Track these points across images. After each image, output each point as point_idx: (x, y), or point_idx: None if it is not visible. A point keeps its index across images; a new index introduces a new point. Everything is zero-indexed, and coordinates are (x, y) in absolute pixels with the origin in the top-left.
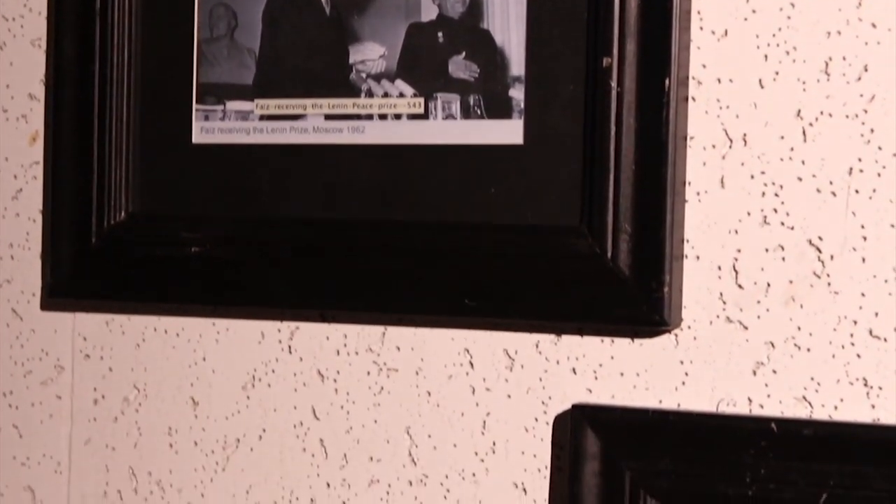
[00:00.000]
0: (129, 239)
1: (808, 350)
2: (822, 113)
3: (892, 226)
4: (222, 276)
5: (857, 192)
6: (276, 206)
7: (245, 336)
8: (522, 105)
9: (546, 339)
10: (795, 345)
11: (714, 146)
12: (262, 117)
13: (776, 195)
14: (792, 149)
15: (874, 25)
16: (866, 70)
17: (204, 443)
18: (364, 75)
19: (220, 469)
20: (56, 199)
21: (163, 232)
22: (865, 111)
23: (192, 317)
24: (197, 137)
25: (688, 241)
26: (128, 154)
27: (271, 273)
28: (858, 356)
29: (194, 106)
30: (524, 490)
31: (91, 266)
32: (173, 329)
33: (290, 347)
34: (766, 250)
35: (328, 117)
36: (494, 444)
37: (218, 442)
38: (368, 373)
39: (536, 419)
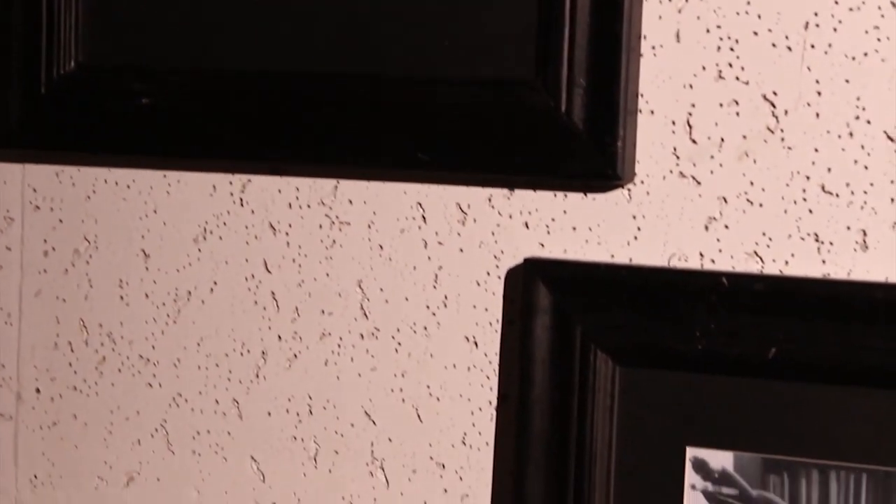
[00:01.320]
0: (78, 89)
1: (761, 205)
2: None
3: (847, 81)
4: (173, 128)
5: (812, 46)
6: (228, 58)
7: (196, 188)
8: None
9: (499, 194)
10: (748, 200)
11: (670, 0)
12: None
13: (731, 49)
14: (748, 3)
15: None
16: None
17: (155, 295)
18: None
19: (171, 321)
20: (4, 48)
21: (113, 82)
22: None
23: (143, 168)
24: None
25: (642, 95)
26: (77, 1)
27: (223, 125)
28: (810, 211)
29: None
30: (475, 343)
31: (40, 116)
32: (124, 181)
33: (241, 200)
34: (721, 105)
35: None
36: (446, 297)
37: (169, 294)
38: (320, 226)
39: (488, 273)
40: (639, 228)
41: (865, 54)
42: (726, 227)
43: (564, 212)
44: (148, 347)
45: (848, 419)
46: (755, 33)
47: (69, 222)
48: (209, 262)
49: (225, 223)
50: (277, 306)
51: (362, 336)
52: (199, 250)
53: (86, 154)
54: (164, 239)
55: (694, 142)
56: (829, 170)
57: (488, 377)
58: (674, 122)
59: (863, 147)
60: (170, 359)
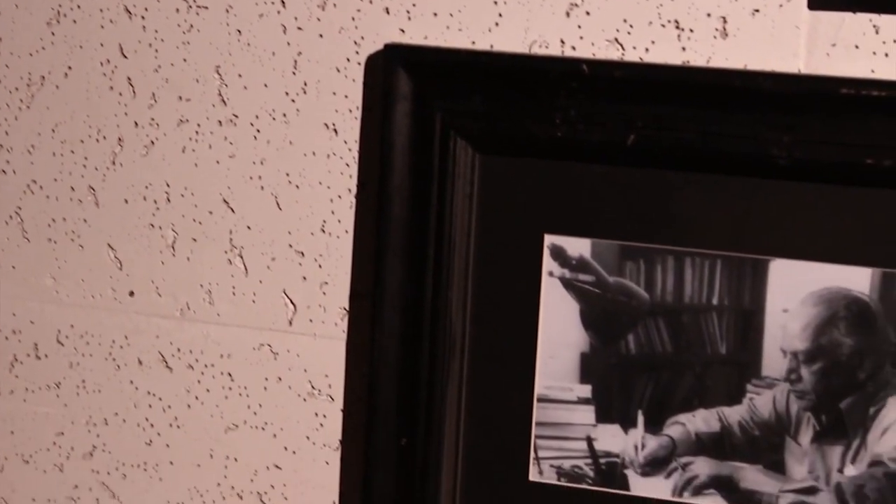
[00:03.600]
0: None
1: None
2: None
3: None
4: None
5: None
6: None
7: None
8: None
9: None
10: None
11: None
12: None
13: None
14: None
15: None
16: None
17: (7, 80)
18: None
19: (24, 107)
20: None
21: None
22: None
23: None
24: None
25: None
26: None
27: None
28: None
29: None
30: (335, 131)
31: None
32: None
33: None
34: None
35: None
36: (305, 84)
37: (22, 79)
38: (177, 10)
39: (348, 59)
40: (500, 15)
41: None
42: (587, 13)
43: None
44: (1, 134)
45: (704, 206)
46: None
47: None
48: (63, 46)
49: (79, 6)
50: (134, 92)
51: (220, 123)
52: (53, 34)
53: None
54: (16, 22)
55: None
56: None
57: (348, 165)
58: None
59: None
60: (24, 145)
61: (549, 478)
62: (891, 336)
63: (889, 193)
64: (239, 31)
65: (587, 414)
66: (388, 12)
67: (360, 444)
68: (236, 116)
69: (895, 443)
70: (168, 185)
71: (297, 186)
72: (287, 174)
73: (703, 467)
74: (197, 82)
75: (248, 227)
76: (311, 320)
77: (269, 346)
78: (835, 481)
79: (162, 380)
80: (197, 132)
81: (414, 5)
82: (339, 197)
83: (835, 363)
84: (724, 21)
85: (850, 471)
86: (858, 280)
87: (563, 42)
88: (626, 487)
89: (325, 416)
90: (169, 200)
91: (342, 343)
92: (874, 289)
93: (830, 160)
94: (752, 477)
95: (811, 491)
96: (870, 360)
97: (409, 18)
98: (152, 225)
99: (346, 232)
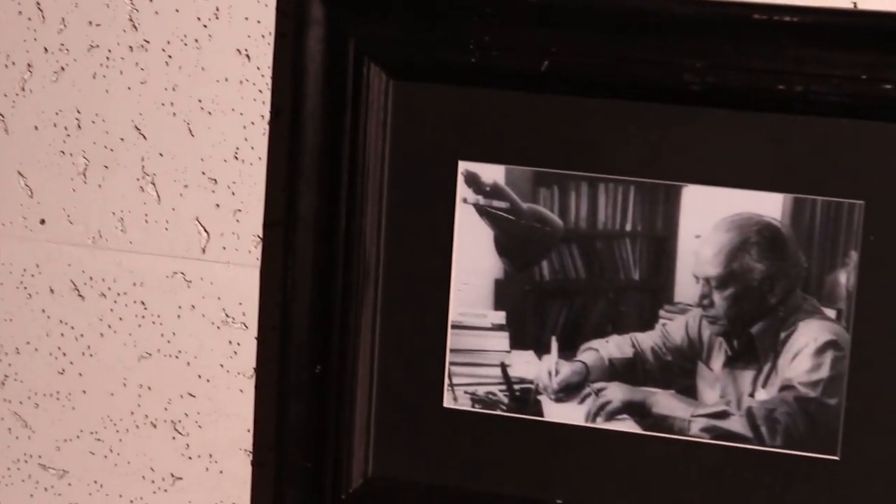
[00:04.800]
0: None
1: None
2: None
3: None
4: None
5: None
6: None
7: None
8: None
9: None
10: None
11: None
12: None
13: None
14: None
15: None
16: None
17: None
18: None
19: None
20: None
21: None
22: None
23: None
24: None
25: None
26: None
27: None
28: None
29: None
30: (247, 56)
31: None
32: None
33: None
34: None
35: None
36: (218, 9)
37: None
38: None
39: None
40: None
41: None
42: None
43: None
44: None
45: (617, 132)
46: None
47: None
48: None
49: None
50: (43, 17)
51: (131, 48)
52: None
53: None
54: None
55: None
56: None
57: (261, 91)
58: None
59: None
60: None
61: (464, 404)
62: (801, 261)
63: (800, 119)
64: None
65: (501, 340)
66: None
67: (275, 371)
68: (147, 42)
69: (805, 367)
70: (79, 112)
71: (210, 113)
72: (199, 101)
73: (616, 393)
74: (107, 7)
75: (161, 155)
76: (224, 248)
77: (183, 274)
78: (746, 405)
79: (74, 308)
80: (108, 58)
81: None
82: (253, 124)
83: (746, 288)
84: None
85: (761, 395)
86: (770, 206)
87: None
88: (540, 413)
89: (239, 343)
90: (80, 127)
91: (256, 271)
92: (785, 214)
93: (743, 86)
94: (665, 402)
95: (723, 415)
96: (781, 286)
97: None
98: (63, 152)
99: (260, 159)
